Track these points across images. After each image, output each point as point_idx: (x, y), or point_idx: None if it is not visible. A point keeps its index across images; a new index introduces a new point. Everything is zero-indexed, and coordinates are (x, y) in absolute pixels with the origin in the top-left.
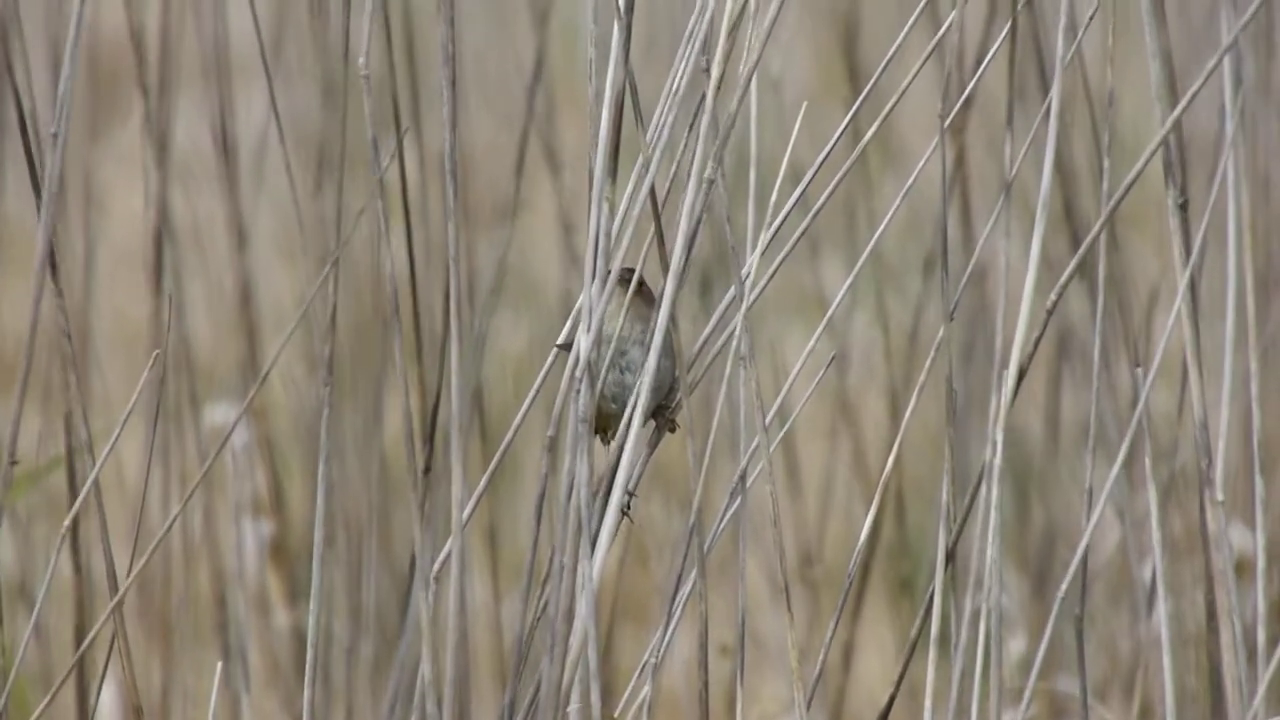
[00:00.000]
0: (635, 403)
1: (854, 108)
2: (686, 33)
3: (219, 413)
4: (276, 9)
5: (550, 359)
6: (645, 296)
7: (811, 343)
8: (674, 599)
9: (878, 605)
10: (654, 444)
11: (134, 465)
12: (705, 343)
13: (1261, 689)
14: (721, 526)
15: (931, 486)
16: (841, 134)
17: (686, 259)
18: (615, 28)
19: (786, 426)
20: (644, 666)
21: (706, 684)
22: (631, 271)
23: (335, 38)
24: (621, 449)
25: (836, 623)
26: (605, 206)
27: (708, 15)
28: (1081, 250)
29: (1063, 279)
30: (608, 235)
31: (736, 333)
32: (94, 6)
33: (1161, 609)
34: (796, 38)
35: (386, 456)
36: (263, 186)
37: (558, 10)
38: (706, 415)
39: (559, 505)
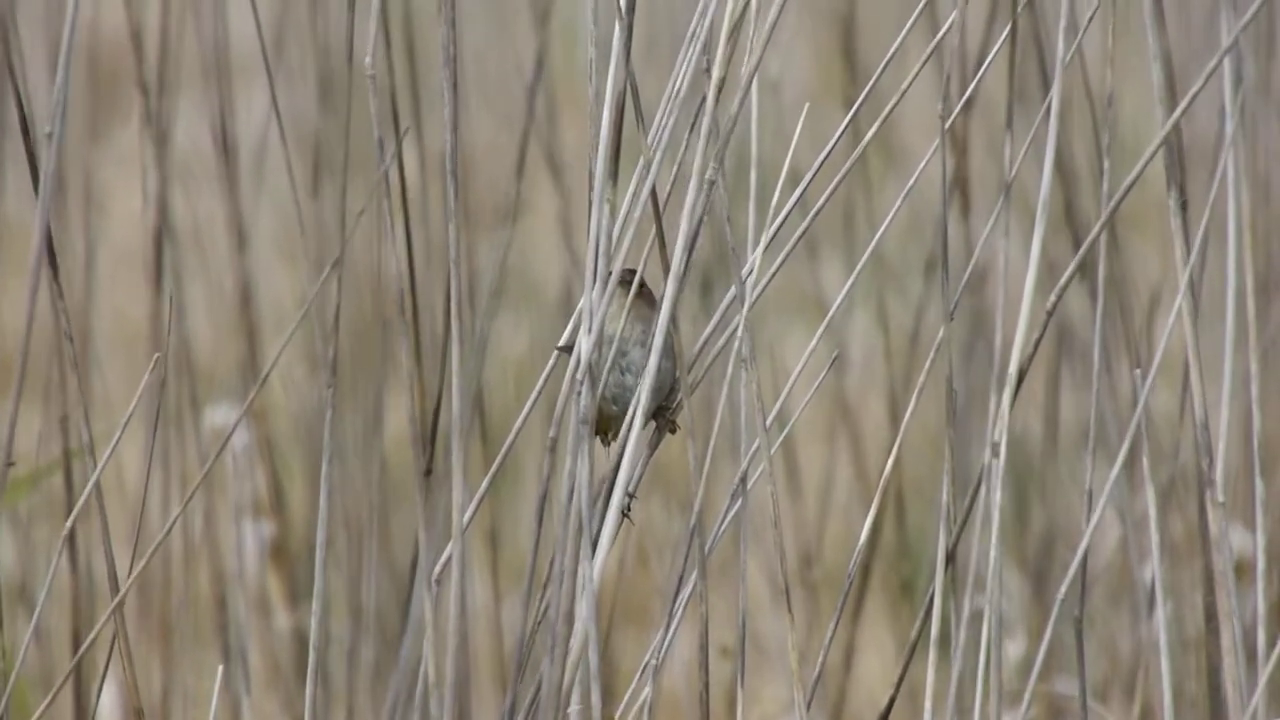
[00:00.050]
0: (636, 404)
1: (854, 108)
2: (688, 34)
3: (219, 414)
4: (277, 9)
5: (551, 362)
6: (646, 298)
7: (812, 344)
8: (675, 600)
9: (878, 607)
10: (654, 445)
11: (134, 466)
12: (705, 343)
13: (1260, 687)
14: (722, 528)
15: (932, 488)
16: (841, 135)
17: (688, 260)
18: (616, 28)
19: (787, 429)
20: (645, 668)
21: (707, 685)
22: (633, 273)
23: (335, 38)
24: (622, 451)
25: (836, 624)
26: (606, 208)
27: (709, 17)
28: (1081, 251)
29: (1063, 280)
30: (609, 237)
31: (737, 334)
32: (94, 6)
33: (1161, 611)
34: (796, 38)
35: (387, 458)
36: (263, 187)
37: (558, 11)
38: (707, 416)
39: (560, 507)
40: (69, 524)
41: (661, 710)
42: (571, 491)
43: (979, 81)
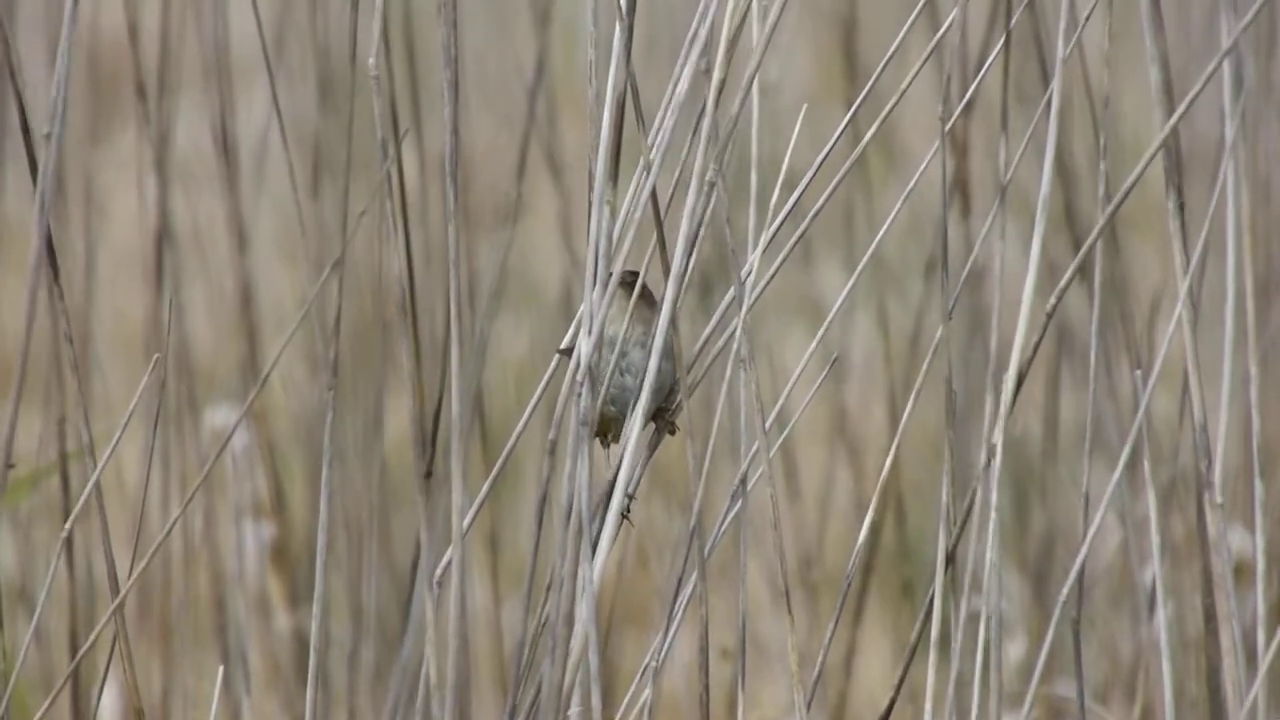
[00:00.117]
0: (636, 405)
1: (853, 109)
2: (688, 36)
3: (219, 415)
4: (277, 9)
5: (552, 365)
6: (646, 299)
7: (812, 346)
8: (674, 602)
9: (878, 608)
10: (654, 446)
11: (135, 468)
12: (705, 344)
13: (1258, 683)
14: (722, 529)
15: (932, 489)
16: (841, 135)
17: (688, 262)
18: (616, 29)
19: (787, 430)
20: (645, 670)
21: (707, 687)
22: (634, 274)
23: (336, 39)
24: (622, 452)
25: (835, 625)
26: (606, 209)
27: (709, 18)
28: (1081, 254)
29: (1062, 282)
30: (609, 238)
31: (737, 335)
32: (95, 7)
33: (1161, 612)
34: (796, 39)
35: (387, 459)
36: (263, 187)
37: (559, 12)
38: (707, 418)
39: (560, 508)
40: (68, 525)
41: (662, 712)
42: (571, 493)
43: (980, 82)
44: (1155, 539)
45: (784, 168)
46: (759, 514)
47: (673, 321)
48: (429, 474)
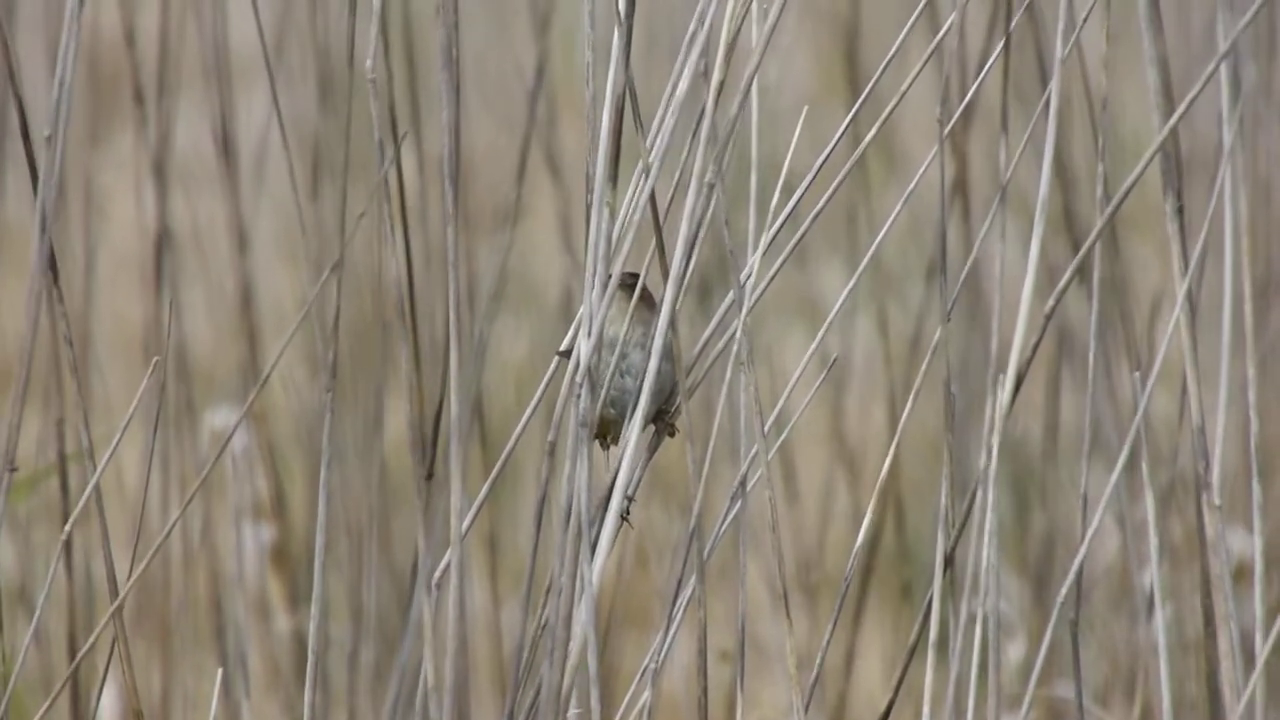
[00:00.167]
0: (636, 407)
1: (853, 110)
2: (687, 37)
3: (219, 416)
4: (277, 11)
5: (552, 367)
6: (646, 301)
7: (812, 348)
8: (674, 604)
9: (878, 610)
10: (653, 448)
11: (134, 469)
12: (704, 346)
13: (1253, 682)
14: (721, 531)
15: (931, 491)
16: (841, 137)
17: (688, 264)
18: (615, 32)
19: (786, 432)
20: (644, 671)
21: (706, 689)
22: (634, 276)
23: (336, 41)
24: (622, 454)
25: (834, 627)
26: (606, 211)
27: (708, 20)
28: (1080, 255)
29: (1061, 284)
30: (608, 240)
31: (736, 337)
32: (94, 8)
33: (1160, 614)
34: (796, 40)
35: (386, 461)
36: (263, 189)
37: (559, 14)
38: (706, 420)
39: (559, 510)
40: (68, 527)
41: (661, 714)
42: (571, 495)
43: (979, 85)
44: (1154, 540)
45: (784, 170)
46: (758, 516)
47: (672, 323)
48: (429, 476)
